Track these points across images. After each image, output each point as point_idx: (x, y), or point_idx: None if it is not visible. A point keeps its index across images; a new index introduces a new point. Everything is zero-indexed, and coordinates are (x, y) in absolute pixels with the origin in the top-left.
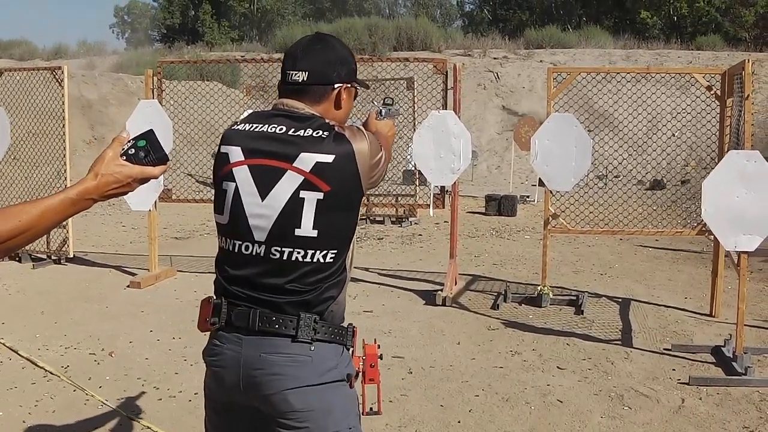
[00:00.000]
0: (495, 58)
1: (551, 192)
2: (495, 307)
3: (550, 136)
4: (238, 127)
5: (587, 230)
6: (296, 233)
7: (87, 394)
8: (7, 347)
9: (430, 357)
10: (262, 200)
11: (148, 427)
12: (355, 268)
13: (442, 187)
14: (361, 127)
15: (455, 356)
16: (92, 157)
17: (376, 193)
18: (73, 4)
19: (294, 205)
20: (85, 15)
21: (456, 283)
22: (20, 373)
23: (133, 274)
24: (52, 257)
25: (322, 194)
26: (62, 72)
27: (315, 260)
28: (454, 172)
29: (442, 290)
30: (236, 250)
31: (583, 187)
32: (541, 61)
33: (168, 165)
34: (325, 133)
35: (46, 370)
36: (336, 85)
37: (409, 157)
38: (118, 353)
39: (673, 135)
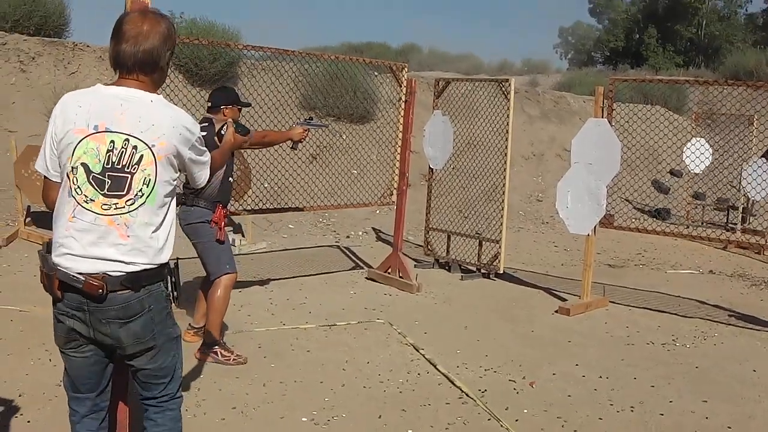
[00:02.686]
0: None
1: None
2: None
3: None
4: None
5: None
6: None
7: (502, 426)
8: (427, 359)
9: None
10: None
11: None
12: None
13: None
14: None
15: None
16: (530, 171)
17: None
18: (519, 23)
19: None
20: (531, 34)
21: None
22: (435, 389)
23: (563, 299)
24: (482, 270)
25: None
26: (509, 84)
27: None
28: None
29: None
30: None
31: None
32: None
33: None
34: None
35: (462, 391)
36: (222, 106)
37: None
38: (539, 384)
39: None
